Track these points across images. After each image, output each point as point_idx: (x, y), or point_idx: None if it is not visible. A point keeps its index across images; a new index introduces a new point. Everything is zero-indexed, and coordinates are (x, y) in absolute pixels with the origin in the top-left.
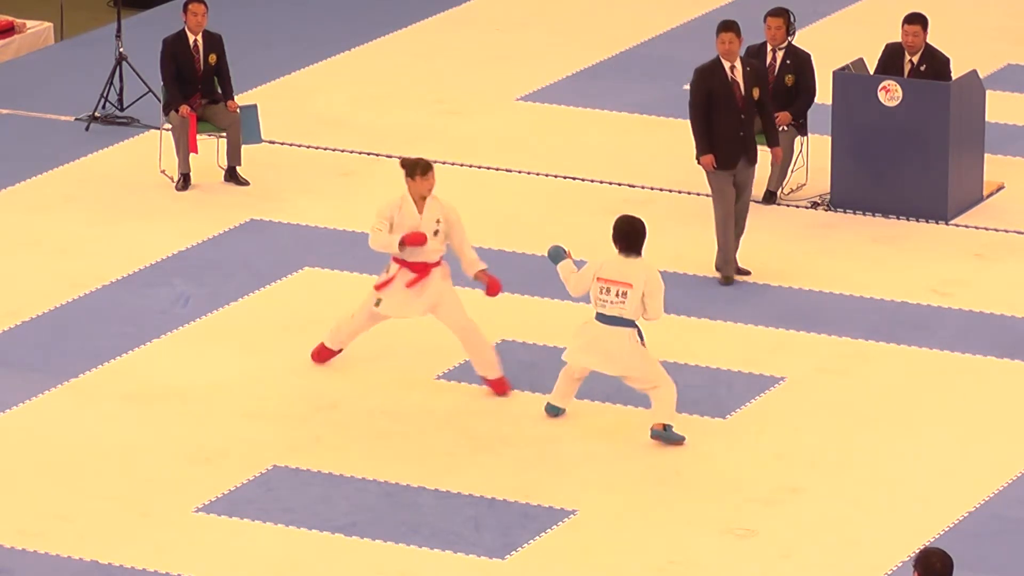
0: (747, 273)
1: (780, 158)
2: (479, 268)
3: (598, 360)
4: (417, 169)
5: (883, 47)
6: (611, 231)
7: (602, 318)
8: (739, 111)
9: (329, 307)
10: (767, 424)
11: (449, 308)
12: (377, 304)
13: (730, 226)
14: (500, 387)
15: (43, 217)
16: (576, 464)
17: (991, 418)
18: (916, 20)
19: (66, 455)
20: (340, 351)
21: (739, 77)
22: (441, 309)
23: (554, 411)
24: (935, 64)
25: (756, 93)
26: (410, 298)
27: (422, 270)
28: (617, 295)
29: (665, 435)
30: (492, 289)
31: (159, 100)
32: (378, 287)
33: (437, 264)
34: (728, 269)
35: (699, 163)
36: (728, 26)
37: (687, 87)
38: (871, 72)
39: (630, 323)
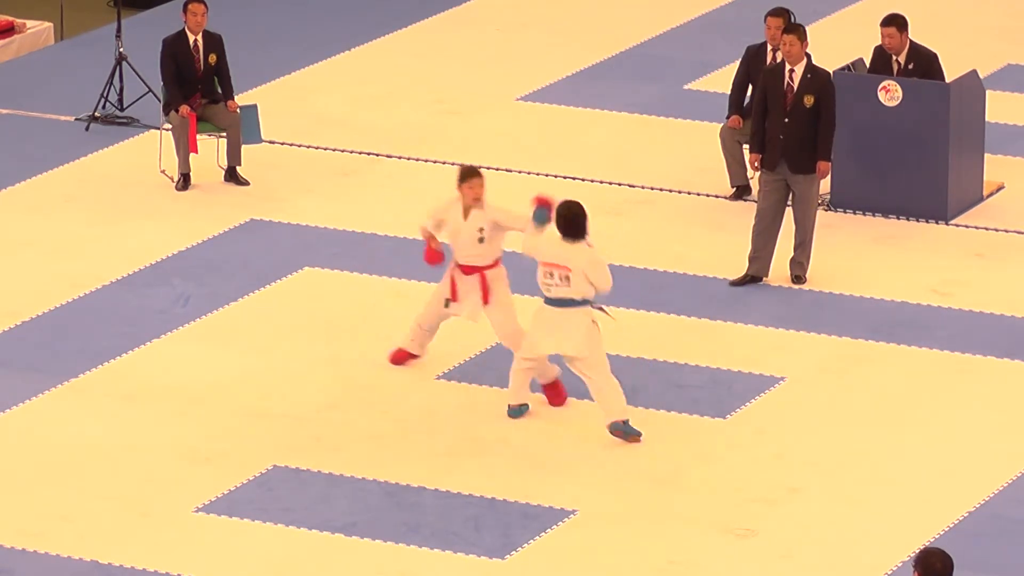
0: (804, 281)
1: (824, 173)
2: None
3: (554, 341)
4: (461, 177)
5: (872, 50)
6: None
7: (551, 302)
8: (783, 114)
9: (329, 307)
10: (767, 424)
11: (498, 312)
12: (447, 305)
13: (762, 225)
14: (553, 397)
15: (43, 217)
16: (576, 464)
17: (991, 418)
18: (891, 22)
19: (66, 455)
20: (419, 355)
21: (795, 81)
22: (491, 312)
23: (517, 412)
24: (922, 61)
25: (809, 101)
26: (468, 298)
27: (471, 272)
28: (560, 279)
29: (624, 429)
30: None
31: (159, 100)
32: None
33: (490, 267)
34: (756, 269)
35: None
36: (791, 29)
37: (687, 87)
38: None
39: (583, 303)
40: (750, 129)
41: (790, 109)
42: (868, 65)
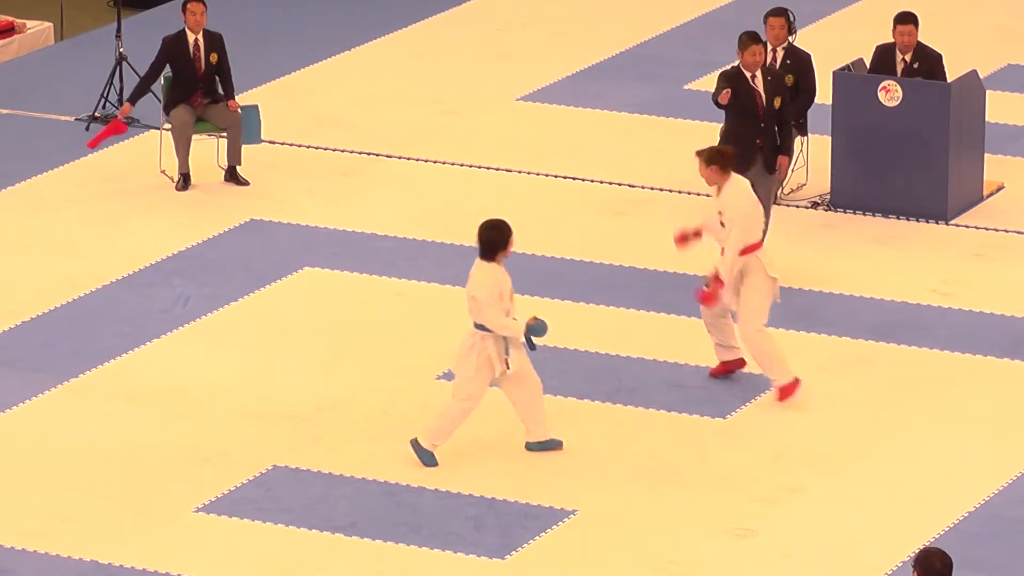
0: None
1: (785, 168)
2: (716, 274)
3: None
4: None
5: (874, 49)
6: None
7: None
8: (758, 119)
9: (329, 307)
10: (767, 424)
11: (744, 301)
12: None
13: None
14: (725, 369)
15: (43, 217)
16: (576, 464)
17: (991, 418)
18: (909, 19)
19: (66, 455)
20: (736, 364)
21: (760, 86)
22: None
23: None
24: (927, 61)
25: (777, 103)
26: (732, 287)
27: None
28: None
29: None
30: (701, 296)
31: (159, 100)
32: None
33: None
34: None
35: (717, 100)
36: (755, 38)
37: (687, 87)
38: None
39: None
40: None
41: (763, 114)
42: (869, 63)
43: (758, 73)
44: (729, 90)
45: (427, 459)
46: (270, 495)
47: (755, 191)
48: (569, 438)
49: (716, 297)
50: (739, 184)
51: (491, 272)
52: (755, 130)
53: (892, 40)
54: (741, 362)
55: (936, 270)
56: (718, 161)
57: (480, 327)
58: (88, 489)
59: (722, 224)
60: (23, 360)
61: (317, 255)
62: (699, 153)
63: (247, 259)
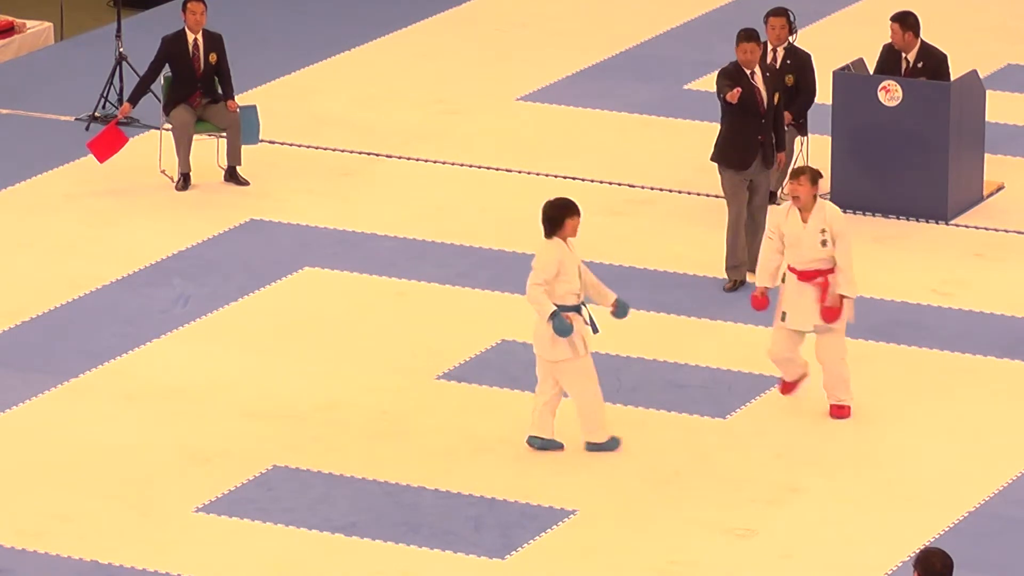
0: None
1: (783, 163)
2: (837, 290)
3: (536, 346)
4: (792, 175)
5: (881, 47)
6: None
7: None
8: (760, 116)
9: (329, 307)
10: (767, 424)
11: (827, 334)
12: (783, 318)
13: (740, 230)
14: (839, 412)
15: (43, 217)
16: (576, 464)
17: (991, 418)
18: (895, 19)
19: (66, 455)
20: (801, 378)
21: (760, 83)
22: (822, 334)
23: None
24: (932, 61)
25: (776, 98)
26: (808, 308)
27: (809, 277)
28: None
29: (541, 443)
30: (826, 314)
31: (159, 100)
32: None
33: (832, 271)
34: (735, 273)
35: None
36: (749, 36)
37: (687, 87)
38: (871, 72)
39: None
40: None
41: (764, 110)
42: (876, 62)
43: (757, 70)
44: (739, 89)
45: (612, 444)
46: (270, 495)
47: (758, 189)
48: (569, 438)
49: (839, 312)
50: (827, 202)
51: (549, 249)
52: (757, 127)
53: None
54: (805, 374)
55: (936, 270)
56: (818, 180)
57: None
58: (88, 489)
59: (823, 243)
60: (23, 360)
61: (317, 255)
62: (803, 172)
63: (247, 259)
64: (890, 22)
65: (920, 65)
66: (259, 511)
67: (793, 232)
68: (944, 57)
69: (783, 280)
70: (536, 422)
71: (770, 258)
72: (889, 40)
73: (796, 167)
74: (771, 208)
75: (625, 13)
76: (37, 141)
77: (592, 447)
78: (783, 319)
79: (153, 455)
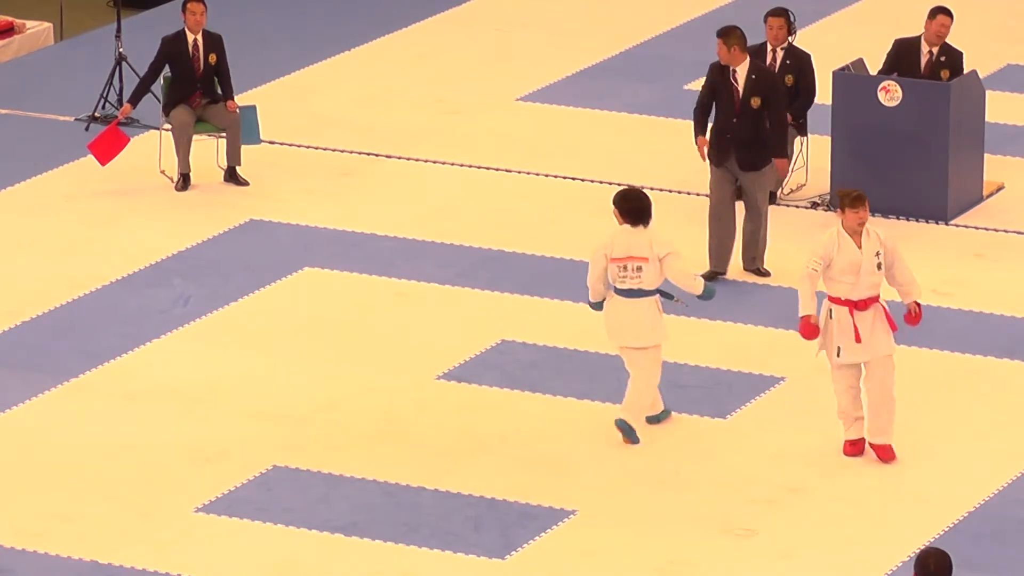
0: (766, 274)
1: (784, 171)
2: (911, 299)
3: (627, 335)
4: (846, 201)
5: (892, 43)
6: (615, 204)
7: (624, 292)
8: (732, 115)
9: (329, 307)
10: (767, 424)
11: (879, 360)
12: (839, 354)
13: (716, 223)
14: (885, 454)
15: (43, 217)
16: (576, 464)
17: (991, 418)
18: (948, 13)
19: (66, 455)
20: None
21: (739, 83)
22: (878, 363)
23: (655, 419)
24: (953, 57)
25: (755, 102)
26: (868, 337)
27: (866, 306)
28: (636, 269)
29: (627, 429)
30: (910, 319)
31: (159, 100)
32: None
33: (876, 299)
34: (715, 264)
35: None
36: (722, 33)
37: (687, 87)
38: (877, 69)
39: (651, 292)
40: (695, 119)
41: (739, 110)
42: (886, 58)
43: (740, 69)
44: (703, 141)
45: (634, 437)
46: (270, 495)
47: (745, 193)
48: (569, 438)
49: (920, 316)
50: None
51: (613, 234)
52: (727, 126)
53: (912, 35)
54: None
55: (936, 270)
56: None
57: (650, 292)
58: (88, 489)
59: (878, 267)
60: (23, 360)
61: (317, 255)
62: (861, 199)
63: (247, 259)
64: (941, 14)
65: (943, 59)
66: (259, 511)
67: (851, 260)
68: (962, 55)
69: (830, 315)
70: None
71: (810, 290)
72: (883, 40)
73: (851, 194)
74: (822, 243)
75: (625, 13)
76: (37, 141)
77: (624, 425)
78: (838, 355)
79: (153, 455)
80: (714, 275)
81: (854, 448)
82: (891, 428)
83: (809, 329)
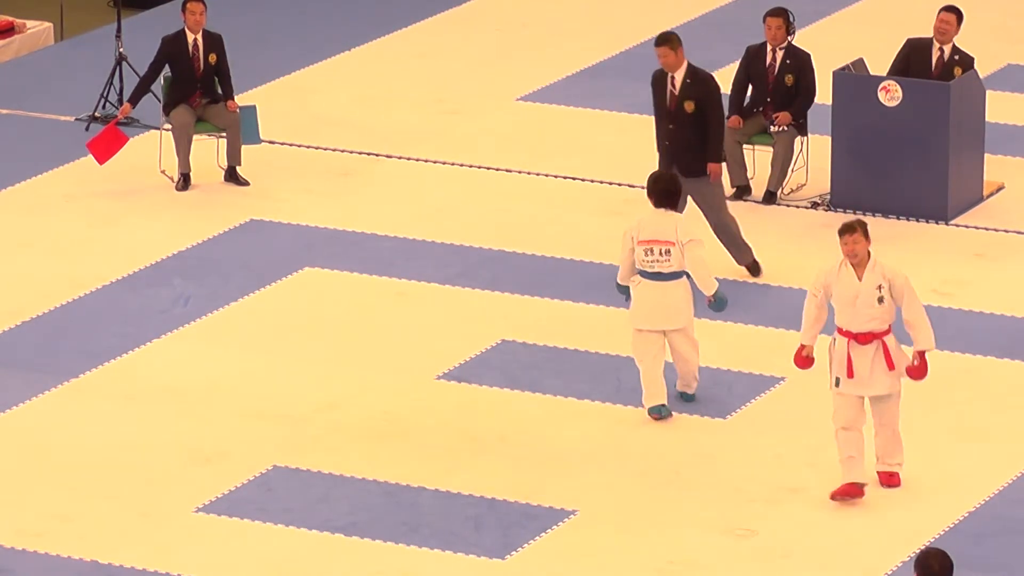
0: (758, 272)
1: (715, 176)
2: (917, 347)
3: (659, 318)
4: (840, 229)
5: (904, 42)
6: (647, 188)
7: (650, 275)
8: (667, 121)
9: (329, 307)
10: (767, 424)
11: (880, 399)
12: (836, 384)
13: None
14: (887, 479)
15: (43, 217)
16: (576, 464)
17: (991, 418)
18: (952, 10)
19: (66, 455)
20: (862, 487)
21: (676, 87)
22: (878, 398)
23: (660, 412)
24: (965, 57)
25: (689, 106)
26: (865, 373)
27: (866, 340)
28: (662, 253)
29: (686, 397)
30: (913, 373)
31: (159, 100)
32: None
33: (887, 332)
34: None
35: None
36: (658, 41)
37: None
38: (879, 68)
39: (680, 274)
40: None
41: (673, 115)
42: (896, 56)
43: (677, 75)
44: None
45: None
46: (270, 495)
47: (701, 202)
48: (569, 438)
49: (925, 369)
50: (882, 258)
51: (642, 217)
52: (664, 132)
53: (923, 36)
54: (862, 490)
55: (936, 270)
56: (868, 232)
57: (680, 274)
58: (88, 489)
59: (880, 300)
60: (23, 360)
61: (317, 255)
62: (855, 229)
63: (247, 259)
64: (944, 11)
65: (956, 57)
66: (259, 511)
67: (848, 291)
68: (972, 59)
69: (835, 343)
70: (660, 391)
71: (813, 315)
72: (883, 40)
73: (845, 222)
74: (823, 269)
75: (625, 13)
76: (37, 141)
77: (688, 397)
78: (836, 384)
79: (153, 455)
80: (753, 267)
81: (841, 492)
82: (897, 460)
83: (801, 360)
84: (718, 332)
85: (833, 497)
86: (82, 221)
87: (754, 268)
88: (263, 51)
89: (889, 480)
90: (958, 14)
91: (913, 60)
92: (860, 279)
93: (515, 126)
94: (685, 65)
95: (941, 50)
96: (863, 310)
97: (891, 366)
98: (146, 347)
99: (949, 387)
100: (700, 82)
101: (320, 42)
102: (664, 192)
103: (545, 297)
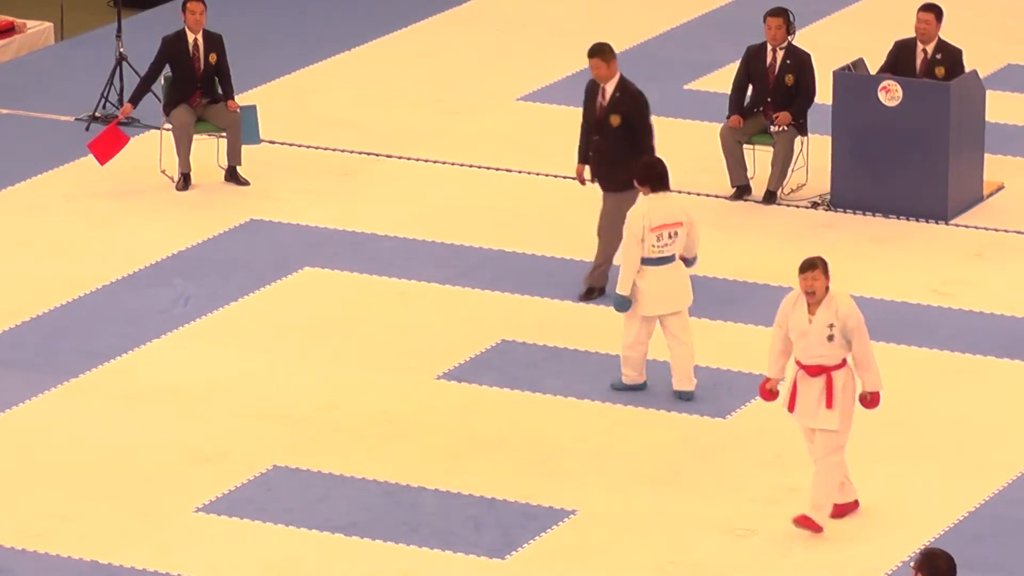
0: (596, 295)
1: (580, 173)
2: (864, 388)
3: (668, 302)
4: (803, 267)
5: (892, 44)
6: (637, 174)
7: (656, 261)
8: (593, 132)
9: (329, 307)
10: (767, 424)
11: (824, 435)
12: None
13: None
14: (803, 522)
15: (43, 217)
16: (576, 464)
17: (991, 418)
18: (930, 9)
19: (66, 455)
20: (852, 505)
21: (605, 100)
22: (830, 417)
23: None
24: (950, 55)
25: (615, 120)
26: (810, 404)
27: (814, 373)
28: (670, 236)
29: (685, 396)
30: (864, 405)
31: (159, 100)
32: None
33: (838, 367)
34: (590, 279)
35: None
36: (591, 52)
37: (687, 87)
38: (876, 69)
39: (675, 256)
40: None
41: (599, 127)
42: (886, 58)
43: (608, 87)
44: (617, 116)
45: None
46: (270, 495)
47: (603, 209)
48: (569, 438)
49: (877, 402)
50: (841, 294)
51: (644, 205)
52: (594, 143)
53: (911, 36)
54: (856, 504)
55: (936, 270)
56: (828, 270)
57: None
58: (88, 489)
59: (829, 339)
60: (23, 360)
61: (317, 255)
62: (815, 266)
63: (247, 259)
64: (921, 12)
65: (939, 56)
66: (259, 511)
67: (799, 325)
68: (960, 52)
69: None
70: (637, 365)
71: (777, 348)
72: (883, 40)
73: (807, 259)
74: (784, 299)
75: (625, 13)
76: (37, 141)
77: (687, 395)
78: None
79: (153, 455)
80: (593, 292)
81: (835, 514)
82: (818, 501)
83: (765, 393)
84: (718, 332)
85: (834, 515)
86: (82, 221)
87: (586, 295)
88: (263, 51)
89: (805, 522)
90: (936, 12)
91: (900, 61)
92: (813, 315)
93: (515, 126)
94: (617, 78)
95: (924, 50)
96: (813, 347)
97: (829, 404)
98: (146, 347)
99: (949, 387)
100: (629, 97)
101: (320, 42)
102: (662, 176)
103: (545, 297)
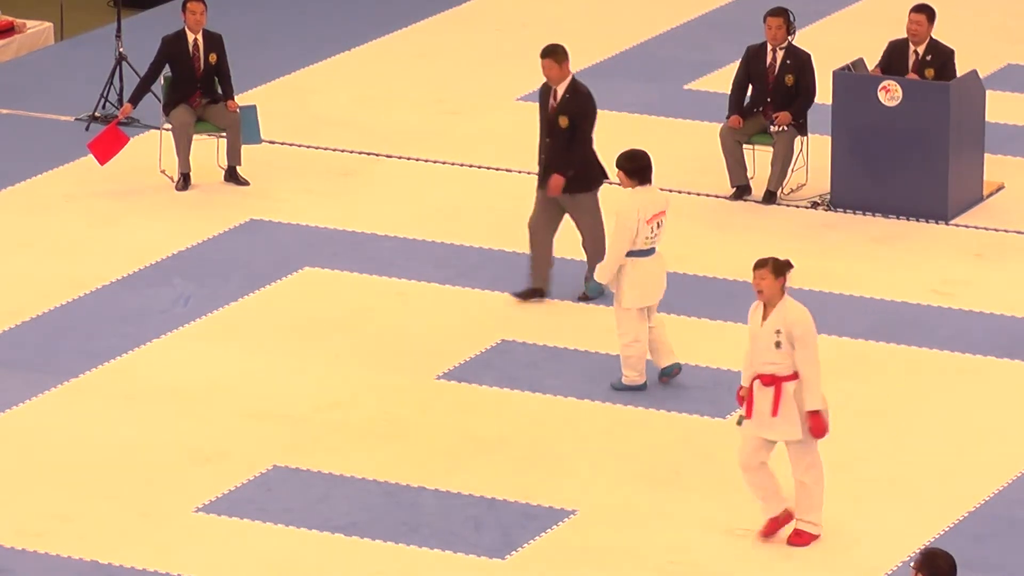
0: (587, 299)
1: (552, 188)
2: (808, 407)
3: (657, 291)
4: (755, 265)
5: (886, 44)
6: (623, 168)
7: (647, 252)
8: (545, 135)
9: (329, 307)
10: None
11: (795, 447)
12: (739, 422)
13: (533, 240)
14: (795, 537)
15: (43, 217)
16: (576, 464)
17: (991, 418)
18: (922, 10)
19: (66, 455)
20: (785, 517)
21: (556, 102)
22: (777, 425)
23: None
24: (940, 56)
25: (563, 122)
26: (762, 414)
27: (766, 382)
28: (658, 225)
29: (673, 369)
30: (812, 432)
31: (159, 100)
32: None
33: (789, 379)
34: (532, 281)
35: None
36: (543, 54)
37: (687, 87)
38: (871, 70)
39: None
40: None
41: (549, 128)
42: (880, 59)
43: (559, 88)
44: (565, 117)
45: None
46: (270, 495)
47: (573, 216)
48: (569, 438)
49: (822, 427)
50: (794, 302)
51: (633, 197)
52: (542, 144)
53: (904, 36)
54: (790, 515)
55: (936, 270)
56: (784, 271)
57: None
58: (88, 489)
59: (777, 345)
60: (23, 360)
61: (317, 255)
62: (765, 264)
63: (247, 259)
64: (913, 13)
65: (929, 58)
66: (259, 511)
67: (751, 329)
68: (952, 52)
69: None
70: (638, 365)
71: (748, 354)
72: (882, 39)
73: (759, 259)
74: (753, 303)
75: (625, 13)
76: (37, 141)
77: (675, 367)
78: (739, 423)
79: (153, 455)
80: (531, 293)
81: (767, 529)
82: (808, 517)
83: (739, 400)
84: (718, 332)
85: (764, 533)
86: (82, 221)
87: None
88: (263, 51)
89: (797, 539)
90: (928, 13)
91: (893, 61)
92: (764, 320)
93: (515, 126)
94: (568, 80)
95: (916, 51)
96: (762, 352)
97: (774, 412)
98: (146, 347)
99: (949, 387)
100: (578, 98)
101: (320, 42)
102: (646, 168)
103: (546, 297)
